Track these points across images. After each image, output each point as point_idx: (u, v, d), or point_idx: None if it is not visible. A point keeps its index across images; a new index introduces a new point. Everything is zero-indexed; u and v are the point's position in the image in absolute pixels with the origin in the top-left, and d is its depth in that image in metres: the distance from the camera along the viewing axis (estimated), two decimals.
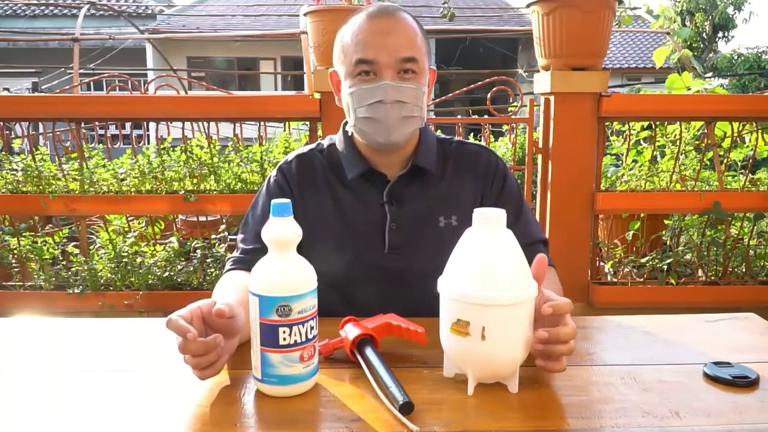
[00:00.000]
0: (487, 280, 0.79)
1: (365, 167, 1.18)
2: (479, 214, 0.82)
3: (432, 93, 1.23)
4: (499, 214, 0.81)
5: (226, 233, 2.63)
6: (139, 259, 2.56)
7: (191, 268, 2.56)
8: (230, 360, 0.92)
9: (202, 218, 2.77)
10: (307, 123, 2.67)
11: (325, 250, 1.12)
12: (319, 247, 1.09)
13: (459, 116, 4.79)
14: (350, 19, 1.14)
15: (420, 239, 1.17)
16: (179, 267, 2.59)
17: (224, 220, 2.68)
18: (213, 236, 2.62)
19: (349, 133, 1.20)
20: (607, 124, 2.58)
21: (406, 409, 0.75)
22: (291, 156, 1.25)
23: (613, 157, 3.15)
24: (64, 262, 2.64)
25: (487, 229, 0.81)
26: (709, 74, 11.11)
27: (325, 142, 1.26)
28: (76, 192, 2.54)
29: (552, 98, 2.49)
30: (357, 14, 1.13)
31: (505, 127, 4.27)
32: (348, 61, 1.12)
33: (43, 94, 3.73)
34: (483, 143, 2.75)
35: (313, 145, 1.27)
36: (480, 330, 0.78)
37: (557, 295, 0.86)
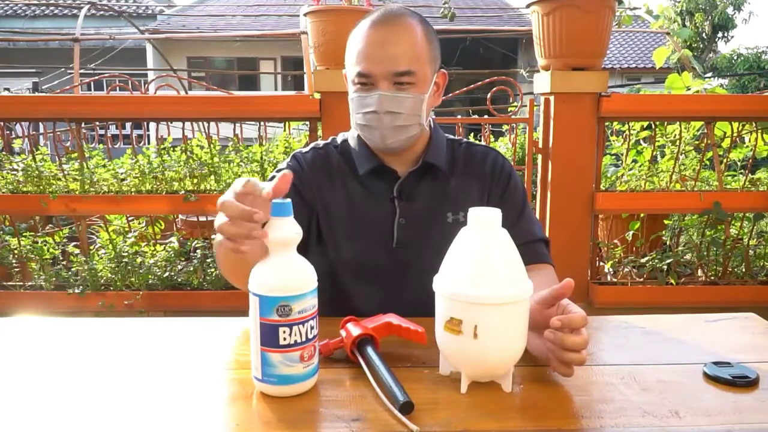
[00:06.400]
0: (479, 279, 0.79)
1: (376, 163, 1.20)
2: (473, 213, 0.82)
3: (442, 94, 1.24)
4: (493, 214, 0.81)
5: None
6: (139, 259, 2.56)
7: (191, 268, 2.56)
8: (229, 359, 0.92)
9: (203, 218, 2.77)
10: (307, 123, 2.67)
11: (336, 240, 1.18)
12: (331, 235, 1.17)
13: (459, 116, 4.79)
14: (359, 23, 1.15)
15: (428, 234, 1.19)
16: (179, 267, 2.59)
17: None
18: (213, 236, 2.62)
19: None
20: (606, 124, 2.58)
21: (406, 409, 0.75)
22: (307, 147, 1.28)
23: (613, 157, 3.15)
24: (64, 262, 2.64)
25: (481, 229, 0.81)
26: (709, 74, 11.12)
27: (339, 138, 1.29)
28: (77, 192, 2.54)
29: (552, 98, 2.49)
30: (364, 18, 1.14)
31: (505, 127, 4.27)
32: (350, 69, 1.15)
33: (43, 94, 3.73)
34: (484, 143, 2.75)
35: (327, 140, 1.29)
36: (472, 328, 0.79)
37: (575, 307, 0.85)
